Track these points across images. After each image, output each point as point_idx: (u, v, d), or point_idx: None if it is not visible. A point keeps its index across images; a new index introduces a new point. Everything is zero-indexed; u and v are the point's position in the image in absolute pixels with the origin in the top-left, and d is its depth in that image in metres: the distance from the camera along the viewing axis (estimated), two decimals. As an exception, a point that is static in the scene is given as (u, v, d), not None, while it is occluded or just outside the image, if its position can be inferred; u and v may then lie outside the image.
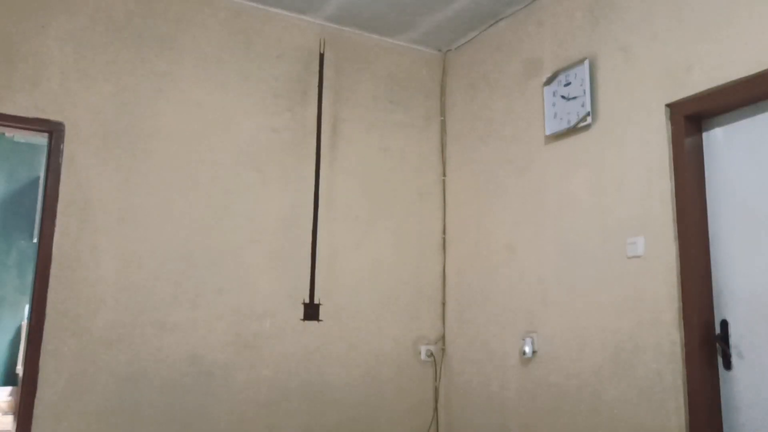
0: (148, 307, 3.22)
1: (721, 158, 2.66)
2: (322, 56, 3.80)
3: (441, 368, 3.94)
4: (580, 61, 3.17)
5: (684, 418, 2.55)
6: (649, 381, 2.69)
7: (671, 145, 2.73)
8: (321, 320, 3.62)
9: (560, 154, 3.29)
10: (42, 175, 5.86)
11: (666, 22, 2.80)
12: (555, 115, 3.30)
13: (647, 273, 2.75)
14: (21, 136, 5.91)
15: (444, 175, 4.15)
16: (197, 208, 3.40)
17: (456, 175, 4.07)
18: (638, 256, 2.79)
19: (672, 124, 2.74)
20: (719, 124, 2.68)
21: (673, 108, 2.74)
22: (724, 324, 2.56)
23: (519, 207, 3.51)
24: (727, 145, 2.65)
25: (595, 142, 3.08)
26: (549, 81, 3.36)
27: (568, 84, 3.24)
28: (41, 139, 3.30)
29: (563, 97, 3.26)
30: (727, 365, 2.54)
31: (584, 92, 3.13)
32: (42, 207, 3.13)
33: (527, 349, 3.29)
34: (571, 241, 3.15)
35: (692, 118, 2.70)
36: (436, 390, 3.91)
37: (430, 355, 3.91)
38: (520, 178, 3.53)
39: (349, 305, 3.72)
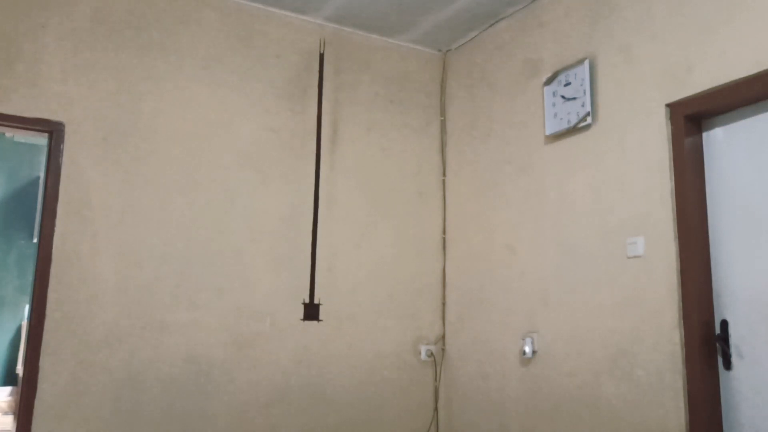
0: (148, 307, 3.22)
1: (721, 158, 2.66)
2: (322, 56, 3.80)
3: (441, 368, 3.94)
4: (580, 61, 3.17)
5: (684, 418, 2.55)
6: (649, 381, 2.69)
7: (671, 145, 2.73)
8: (321, 320, 3.62)
9: (560, 154, 3.29)
10: (42, 175, 5.86)
11: (666, 22, 2.80)
12: (555, 115, 3.30)
13: (647, 273, 2.75)
14: (21, 136, 5.91)
15: (444, 175, 4.15)
16: (197, 208, 3.40)
17: (456, 175, 4.06)
18: (638, 256, 2.79)
19: (672, 124, 2.74)
20: (719, 124, 2.68)
21: (673, 108, 2.74)
22: (724, 324, 2.56)
23: (519, 207, 3.51)
24: (727, 145, 2.65)
25: (595, 142, 3.08)
26: (549, 81, 3.36)
27: (568, 84, 3.24)
28: (41, 139, 3.30)
29: (563, 97, 3.26)
30: (727, 365, 2.54)
31: (584, 92, 3.13)
32: (42, 207, 3.13)
33: (527, 349, 3.29)
34: (571, 241, 3.15)
35: (692, 118, 2.70)
36: (436, 390, 3.91)
37: (430, 355, 3.91)
38: (520, 178, 3.53)
39: (349, 305, 3.72)
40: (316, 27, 3.87)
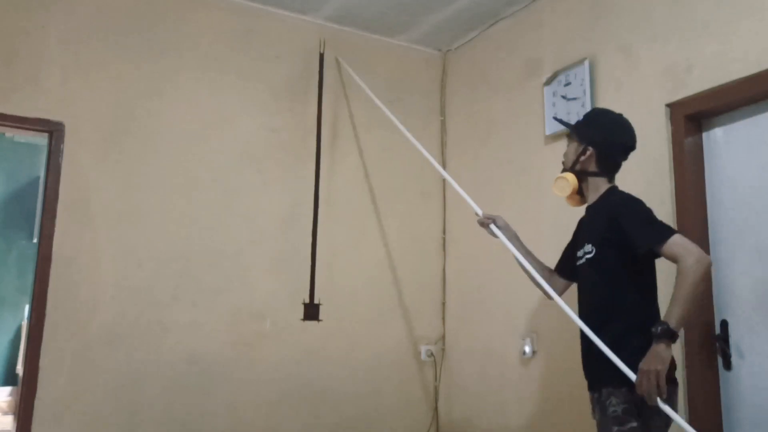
0: (148, 307, 3.22)
1: (721, 158, 2.66)
2: (322, 56, 3.80)
3: (441, 368, 3.94)
4: (580, 61, 3.17)
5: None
6: (649, 381, 2.68)
7: (671, 145, 2.73)
8: (321, 320, 3.61)
9: (560, 154, 3.27)
10: (42, 175, 5.86)
11: (666, 22, 2.80)
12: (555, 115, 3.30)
13: (647, 273, 2.74)
14: (21, 136, 5.90)
15: (444, 175, 4.15)
16: (197, 208, 3.40)
17: (456, 175, 4.05)
18: (638, 256, 2.78)
19: (672, 124, 2.74)
20: (719, 124, 2.68)
21: (673, 108, 2.74)
22: (724, 324, 2.55)
23: (519, 207, 3.50)
24: (727, 145, 2.64)
25: (595, 142, 3.07)
26: (549, 81, 3.36)
27: (568, 84, 3.24)
28: (41, 139, 3.30)
29: (563, 97, 3.26)
30: (727, 365, 2.53)
31: (584, 92, 3.13)
32: (42, 207, 3.13)
33: (527, 349, 3.29)
34: (571, 241, 3.14)
35: (692, 118, 2.70)
36: (436, 390, 3.91)
37: (430, 355, 3.91)
38: (520, 178, 3.53)
39: (349, 305, 3.72)
40: (316, 27, 3.86)
